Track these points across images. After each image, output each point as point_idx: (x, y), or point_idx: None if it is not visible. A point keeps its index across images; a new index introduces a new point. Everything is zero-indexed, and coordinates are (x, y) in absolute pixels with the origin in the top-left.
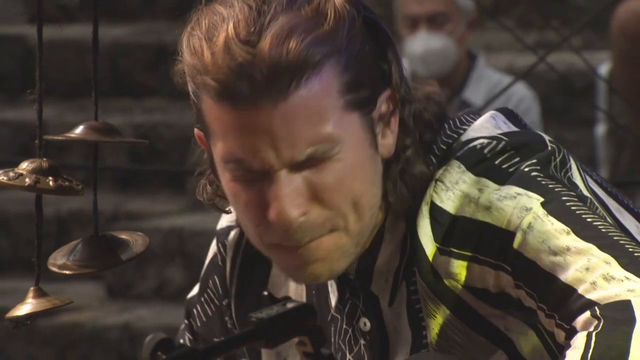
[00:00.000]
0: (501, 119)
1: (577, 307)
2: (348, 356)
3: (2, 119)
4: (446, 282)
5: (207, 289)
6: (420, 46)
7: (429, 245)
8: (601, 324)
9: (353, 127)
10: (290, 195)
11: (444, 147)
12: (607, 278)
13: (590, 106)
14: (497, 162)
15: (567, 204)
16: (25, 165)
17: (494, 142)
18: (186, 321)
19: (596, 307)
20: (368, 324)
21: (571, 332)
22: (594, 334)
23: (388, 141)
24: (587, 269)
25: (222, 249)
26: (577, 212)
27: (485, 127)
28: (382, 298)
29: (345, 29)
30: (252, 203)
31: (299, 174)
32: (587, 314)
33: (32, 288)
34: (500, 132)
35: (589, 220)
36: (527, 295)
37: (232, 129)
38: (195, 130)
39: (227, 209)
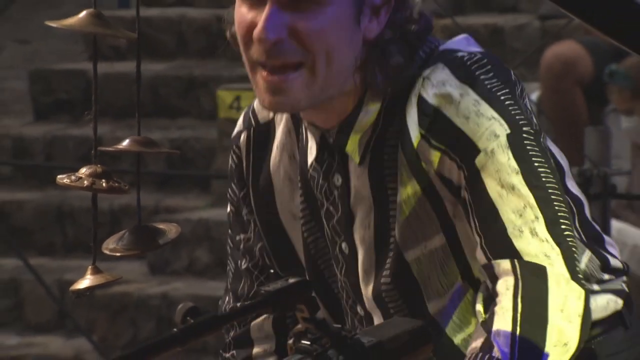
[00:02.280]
0: (472, 41)
1: (501, 247)
2: (326, 204)
3: (68, 134)
4: (423, 164)
5: (229, 193)
6: None
7: (414, 130)
8: (520, 285)
9: None
10: (272, 21)
11: (427, 51)
12: (533, 233)
13: None
14: (477, 73)
15: (525, 141)
16: (84, 171)
17: (475, 55)
18: (232, 241)
19: (516, 262)
20: (340, 179)
21: (490, 267)
22: (519, 298)
23: (372, 26)
24: (520, 215)
25: (236, 150)
26: (530, 152)
27: (461, 43)
28: (353, 158)
29: None
30: (246, 23)
31: (287, 12)
32: (508, 263)
33: (90, 266)
34: (476, 49)
35: (536, 164)
36: (469, 201)
37: None
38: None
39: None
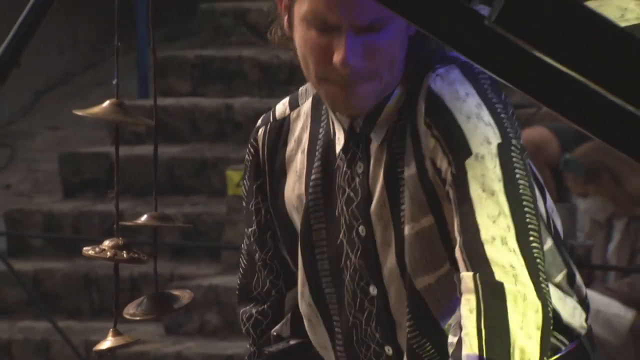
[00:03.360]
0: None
1: (474, 252)
2: (347, 190)
3: (93, 210)
4: (422, 146)
5: (244, 186)
6: None
7: (420, 117)
8: (482, 309)
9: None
10: (353, 50)
11: (443, 54)
12: (503, 242)
13: None
14: (482, 82)
15: (512, 154)
16: (107, 243)
17: (480, 69)
18: (250, 236)
19: (478, 280)
20: (362, 167)
21: (458, 279)
22: (482, 325)
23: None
24: (494, 221)
25: (254, 143)
26: (514, 165)
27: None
28: (375, 140)
29: None
30: (320, 46)
31: (360, 36)
32: (471, 280)
33: (111, 329)
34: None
35: (517, 177)
36: (453, 198)
37: None
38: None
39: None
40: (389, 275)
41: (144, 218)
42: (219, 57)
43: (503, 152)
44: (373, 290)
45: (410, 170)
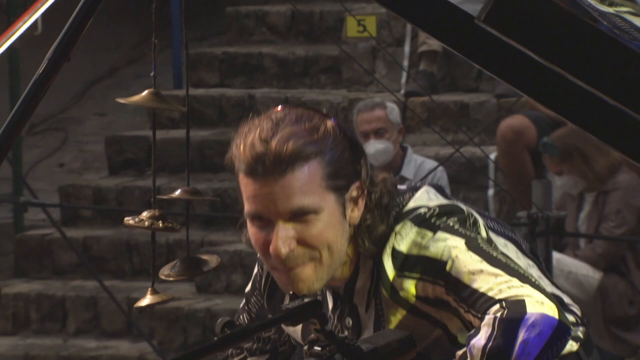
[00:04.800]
0: (432, 192)
1: (489, 304)
2: None
3: (134, 185)
4: (401, 293)
5: (254, 290)
6: (372, 149)
7: (390, 273)
8: (505, 312)
9: (330, 202)
10: (282, 238)
11: (398, 210)
12: (510, 287)
13: (484, 178)
14: (432, 221)
15: (480, 245)
16: (145, 214)
17: (431, 210)
18: (245, 306)
19: (503, 302)
20: (350, 322)
21: (484, 315)
22: (497, 319)
23: (354, 214)
24: (495, 282)
25: (260, 270)
26: (486, 250)
27: (422, 198)
28: (360, 307)
29: (330, 140)
30: (261, 241)
31: (291, 225)
32: (497, 305)
33: (149, 288)
34: (433, 203)
35: (494, 255)
36: (454, 299)
37: (252, 194)
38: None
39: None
40: None
41: (177, 192)
42: (242, 53)
43: (471, 245)
44: None
45: (399, 315)
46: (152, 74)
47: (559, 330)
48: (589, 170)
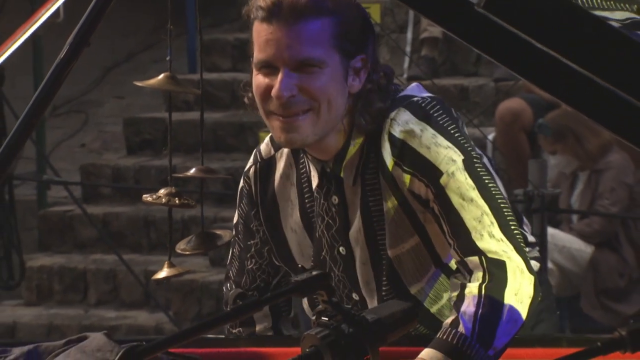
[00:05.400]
0: (422, 88)
1: (469, 248)
2: (326, 218)
3: (151, 164)
4: (397, 183)
5: (239, 209)
6: None
7: (388, 159)
8: (487, 276)
9: (335, 60)
10: (285, 83)
11: (391, 98)
12: (490, 235)
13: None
14: (431, 112)
15: (476, 164)
16: (162, 191)
17: (426, 99)
18: (236, 237)
19: (483, 257)
20: (337, 199)
21: (464, 263)
22: (483, 286)
23: (355, 83)
24: (479, 221)
25: (247, 180)
26: (481, 172)
27: (413, 90)
28: (347, 180)
29: (346, 4)
30: (264, 85)
31: (296, 74)
32: (476, 259)
33: (166, 261)
34: (426, 94)
35: (486, 181)
36: (439, 211)
37: (265, 39)
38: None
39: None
40: (366, 287)
41: (192, 171)
42: None
43: (468, 164)
44: (355, 296)
45: (390, 204)
46: (167, 59)
47: (534, 300)
48: (581, 149)
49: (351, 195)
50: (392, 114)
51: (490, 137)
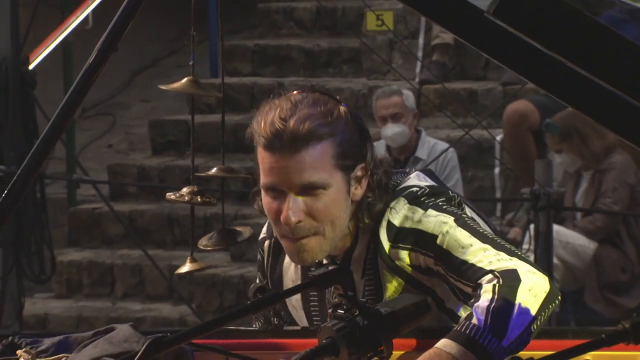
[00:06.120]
0: (422, 177)
1: (480, 273)
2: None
3: (175, 164)
4: (397, 263)
5: (257, 272)
6: (389, 132)
7: (385, 244)
8: (501, 280)
9: (338, 179)
10: (293, 209)
11: (392, 189)
12: (498, 260)
13: (491, 157)
14: (422, 199)
15: (467, 221)
16: (185, 189)
17: (422, 189)
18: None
19: (495, 271)
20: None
21: (478, 286)
22: (497, 285)
23: (357, 192)
24: (483, 255)
25: (261, 252)
26: (473, 226)
27: (414, 180)
28: (356, 273)
29: (342, 123)
30: (274, 210)
31: (301, 197)
32: (490, 275)
33: (189, 257)
34: (424, 183)
35: (480, 231)
36: (443, 269)
37: (269, 166)
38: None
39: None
40: None
41: (214, 170)
42: (272, 45)
43: (460, 222)
44: None
45: (393, 285)
46: (191, 64)
47: (551, 295)
48: (586, 149)
49: (359, 286)
50: (392, 203)
51: (499, 138)
